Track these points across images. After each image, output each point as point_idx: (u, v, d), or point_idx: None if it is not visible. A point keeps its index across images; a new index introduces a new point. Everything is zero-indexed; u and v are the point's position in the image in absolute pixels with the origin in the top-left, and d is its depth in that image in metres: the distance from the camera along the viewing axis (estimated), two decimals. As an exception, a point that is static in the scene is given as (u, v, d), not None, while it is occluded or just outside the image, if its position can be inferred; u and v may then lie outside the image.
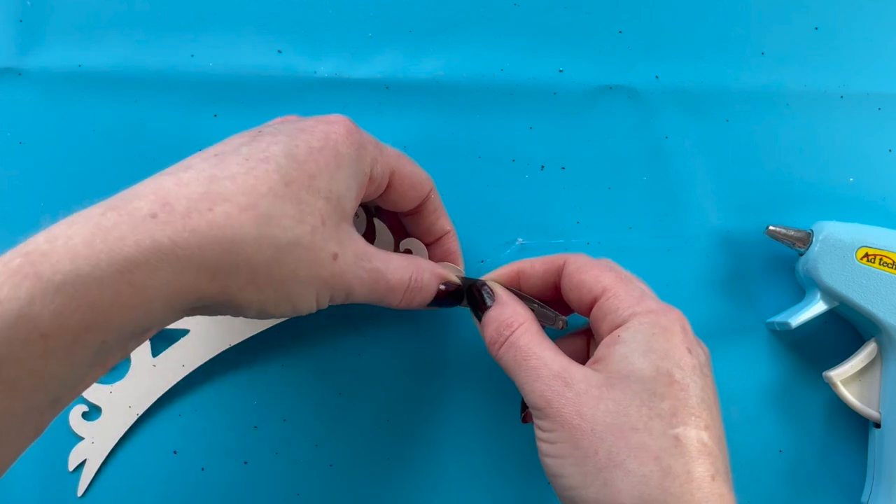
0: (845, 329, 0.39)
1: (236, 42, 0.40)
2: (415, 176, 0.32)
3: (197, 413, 0.39)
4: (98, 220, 0.23)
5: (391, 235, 0.36)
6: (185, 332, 0.38)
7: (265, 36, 0.40)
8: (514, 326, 0.30)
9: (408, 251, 0.36)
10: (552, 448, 0.28)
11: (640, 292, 0.30)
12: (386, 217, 0.37)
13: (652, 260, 0.40)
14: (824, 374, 0.37)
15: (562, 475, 0.28)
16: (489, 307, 0.32)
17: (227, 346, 0.38)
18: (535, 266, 0.34)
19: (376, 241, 0.36)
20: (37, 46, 0.40)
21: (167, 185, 0.24)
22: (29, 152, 0.40)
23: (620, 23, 0.41)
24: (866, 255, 0.36)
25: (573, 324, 0.35)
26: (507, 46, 0.40)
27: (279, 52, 0.40)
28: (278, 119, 0.32)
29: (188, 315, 0.26)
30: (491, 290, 0.33)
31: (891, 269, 0.36)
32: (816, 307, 0.37)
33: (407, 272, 0.31)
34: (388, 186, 0.32)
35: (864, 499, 0.38)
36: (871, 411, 0.37)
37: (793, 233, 0.37)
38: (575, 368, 0.29)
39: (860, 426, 0.39)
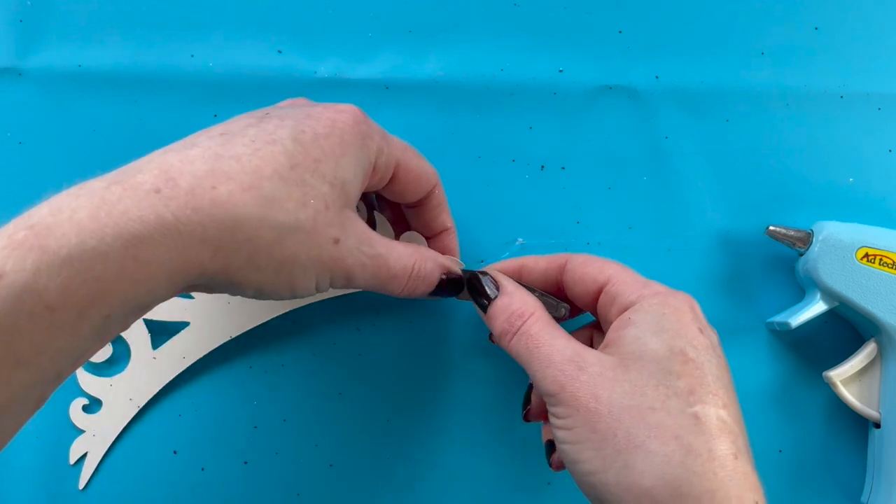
0: (845, 329, 0.39)
1: (236, 42, 0.40)
2: (420, 169, 0.32)
3: (197, 413, 0.39)
4: (103, 193, 0.23)
5: (391, 228, 0.37)
6: (185, 325, 0.38)
7: (265, 36, 0.40)
8: (525, 316, 0.30)
9: None
10: (569, 434, 0.27)
11: (644, 279, 0.31)
12: (387, 211, 0.37)
13: (652, 260, 0.40)
14: (824, 374, 0.37)
15: (580, 460, 0.27)
16: (495, 297, 0.32)
17: (228, 339, 0.38)
18: (538, 262, 0.34)
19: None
20: (37, 46, 0.40)
21: (172, 161, 0.24)
22: (29, 152, 0.40)
23: (620, 23, 0.41)
24: (866, 255, 0.36)
25: (573, 324, 0.35)
26: (507, 46, 0.40)
27: (279, 52, 0.40)
28: (287, 101, 0.32)
29: (187, 291, 0.26)
30: (496, 280, 0.32)
31: (891, 270, 0.36)
32: (816, 307, 0.37)
33: (410, 260, 0.31)
34: (393, 177, 0.32)
35: (863, 499, 0.38)
36: (870, 411, 0.37)
37: (793, 233, 0.37)
38: (588, 352, 0.28)
39: (860, 426, 0.39)
